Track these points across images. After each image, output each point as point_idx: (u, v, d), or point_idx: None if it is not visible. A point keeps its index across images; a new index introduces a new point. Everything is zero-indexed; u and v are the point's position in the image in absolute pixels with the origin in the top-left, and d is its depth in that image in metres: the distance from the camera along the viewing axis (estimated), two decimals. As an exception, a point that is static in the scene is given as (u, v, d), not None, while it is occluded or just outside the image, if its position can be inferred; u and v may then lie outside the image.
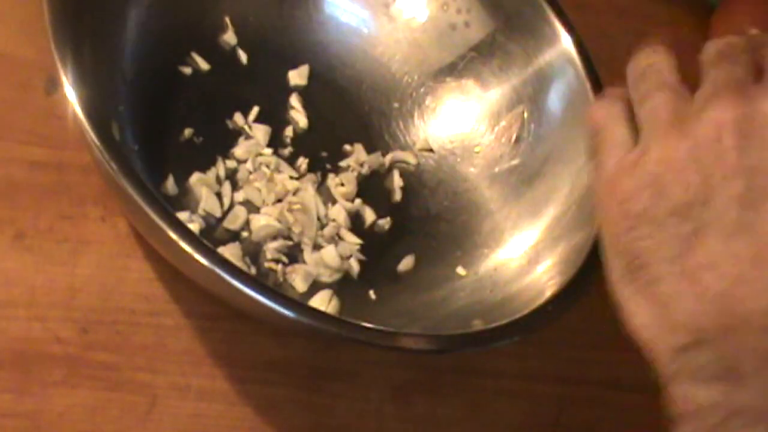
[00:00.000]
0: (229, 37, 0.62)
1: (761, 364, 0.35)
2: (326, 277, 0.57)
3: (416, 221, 0.61)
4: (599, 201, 0.41)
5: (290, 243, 0.57)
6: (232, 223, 0.56)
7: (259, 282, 0.45)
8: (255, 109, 0.60)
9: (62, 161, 0.55)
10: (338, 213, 0.59)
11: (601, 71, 0.58)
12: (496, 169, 0.61)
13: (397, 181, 0.62)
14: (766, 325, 0.35)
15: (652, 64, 0.42)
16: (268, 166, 0.59)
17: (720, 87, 0.39)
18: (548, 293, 0.51)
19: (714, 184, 0.37)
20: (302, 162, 0.60)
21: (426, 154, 0.63)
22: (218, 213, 0.57)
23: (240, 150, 0.59)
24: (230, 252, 0.55)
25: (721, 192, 0.37)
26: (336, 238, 0.58)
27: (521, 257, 0.57)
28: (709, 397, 0.36)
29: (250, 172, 0.58)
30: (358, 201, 0.60)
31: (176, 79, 0.60)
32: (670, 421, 0.37)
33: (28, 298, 0.51)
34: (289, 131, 0.61)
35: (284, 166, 0.59)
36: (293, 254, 0.57)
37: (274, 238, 0.57)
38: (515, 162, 0.61)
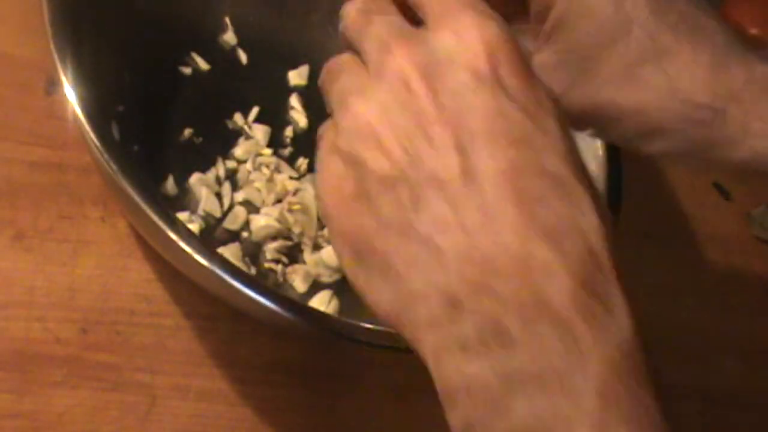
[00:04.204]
0: (229, 37, 0.62)
1: (524, 316, 0.32)
2: (326, 278, 0.57)
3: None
4: (317, 195, 0.38)
5: (290, 243, 0.57)
6: (232, 223, 0.56)
7: (259, 282, 0.45)
8: (255, 109, 0.60)
9: (62, 161, 0.55)
10: (338, 213, 0.59)
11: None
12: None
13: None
14: (513, 271, 0.32)
15: (340, 56, 0.39)
16: (268, 167, 0.59)
17: (386, 41, 0.36)
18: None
19: (417, 140, 0.34)
20: (302, 162, 0.60)
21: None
22: (218, 213, 0.57)
23: (240, 150, 0.59)
24: (230, 252, 0.55)
25: (429, 144, 0.34)
26: (336, 239, 0.58)
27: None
28: (478, 368, 0.32)
29: (250, 173, 0.58)
30: (358, 201, 0.60)
31: (176, 79, 0.60)
32: (443, 404, 0.33)
33: (27, 299, 0.51)
34: (289, 131, 0.61)
35: (284, 166, 0.59)
36: (293, 254, 0.57)
37: (274, 238, 0.57)
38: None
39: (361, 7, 0.38)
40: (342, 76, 0.37)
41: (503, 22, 0.36)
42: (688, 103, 0.42)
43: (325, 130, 0.37)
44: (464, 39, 0.35)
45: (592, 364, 0.31)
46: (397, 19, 0.37)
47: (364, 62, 0.37)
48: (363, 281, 0.36)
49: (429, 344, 0.34)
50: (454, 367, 0.33)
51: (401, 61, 0.35)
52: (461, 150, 0.34)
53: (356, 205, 0.35)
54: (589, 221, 0.33)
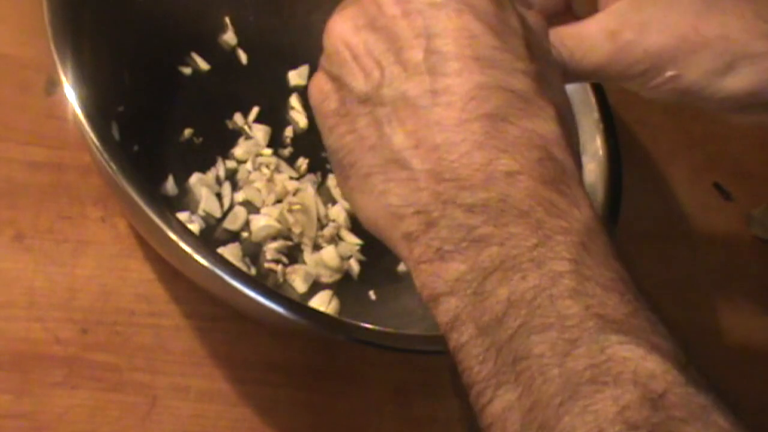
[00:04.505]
0: (229, 37, 0.62)
1: (493, 218, 0.34)
2: (326, 278, 0.57)
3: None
4: (312, 107, 0.40)
5: (290, 243, 0.57)
6: (232, 223, 0.56)
7: (259, 282, 0.45)
8: (255, 109, 0.60)
9: (62, 161, 0.55)
10: (338, 213, 0.59)
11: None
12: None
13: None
14: (480, 183, 0.34)
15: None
16: (268, 167, 0.59)
17: None
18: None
19: (391, 60, 0.36)
20: (302, 162, 0.60)
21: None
22: (218, 213, 0.57)
23: (240, 150, 0.59)
24: (230, 252, 0.55)
25: (403, 64, 0.36)
26: (336, 239, 0.58)
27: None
28: (457, 269, 0.34)
29: (250, 173, 0.58)
30: (358, 201, 0.60)
31: (176, 79, 0.60)
32: (428, 305, 0.35)
33: (27, 299, 0.51)
34: (289, 131, 0.61)
35: (284, 166, 0.59)
36: (293, 254, 0.57)
37: (274, 238, 0.56)
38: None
39: None
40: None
41: None
42: None
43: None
44: None
45: (561, 243, 0.34)
46: None
47: None
48: (348, 193, 0.38)
49: (410, 260, 0.36)
50: (435, 274, 0.35)
51: None
52: (431, 71, 0.36)
53: (339, 121, 0.38)
54: (550, 131, 0.36)
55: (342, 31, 0.38)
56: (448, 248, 0.35)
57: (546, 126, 0.36)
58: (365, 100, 0.37)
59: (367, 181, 0.37)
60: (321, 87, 0.39)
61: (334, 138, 0.38)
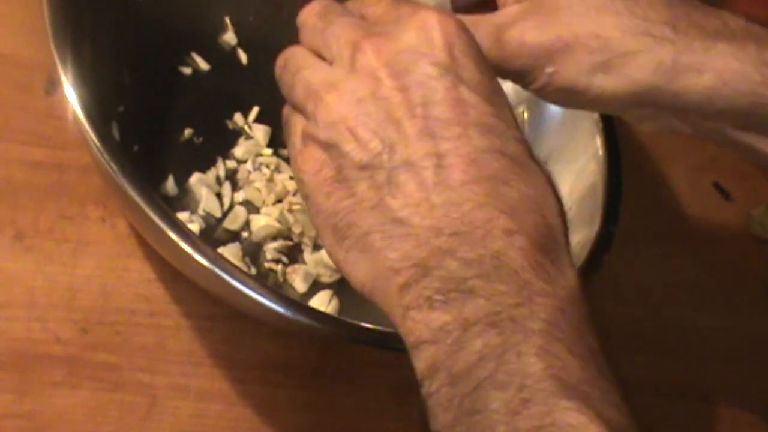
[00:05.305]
0: (229, 37, 0.62)
1: (485, 274, 0.35)
2: (326, 277, 0.57)
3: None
4: (298, 179, 0.41)
5: (290, 243, 0.57)
6: (232, 223, 0.56)
7: (259, 282, 0.45)
8: (255, 109, 0.60)
9: (62, 161, 0.55)
10: (338, 213, 0.59)
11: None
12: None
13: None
14: (478, 240, 0.36)
15: (293, 51, 0.42)
16: (268, 167, 0.59)
17: (356, 39, 0.39)
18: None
19: (390, 130, 0.38)
20: (302, 162, 0.60)
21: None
22: (218, 213, 0.57)
23: (240, 150, 0.59)
24: (230, 252, 0.55)
25: (404, 132, 0.37)
26: (336, 239, 0.58)
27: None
28: (442, 319, 0.35)
29: (250, 173, 0.58)
30: (358, 201, 0.60)
31: (176, 79, 0.60)
32: (410, 353, 0.37)
33: (28, 299, 0.51)
34: (289, 131, 0.61)
35: (284, 166, 0.59)
36: (293, 254, 0.57)
37: (274, 238, 0.57)
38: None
39: (319, 11, 0.42)
40: (304, 71, 0.41)
41: (460, 20, 0.40)
42: (648, 21, 0.44)
43: (292, 117, 0.41)
44: (427, 35, 0.38)
45: (541, 305, 0.35)
46: (357, 20, 0.41)
47: (325, 59, 0.41)
48: (342, 256, 0.39)
49: (400, 307, 0.37)
50: (421, 321, 0.36)
51: (372, 57, 0.39)
52: (433, 135, 0.37)
53: (336, 187, 0.39)
54: (546, 199, 0.38)
55: (341, 104, 0.38)
56: (438, 298, 0.36)
57: (540, 191, 0.38)
58: (365, 168, 0.38)
59: (365, 240, 0.38)
60: (314, 157, 0.39)
61: (331, 203, 0.39)
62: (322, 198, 0.39)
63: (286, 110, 0.42)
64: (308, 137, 0.40)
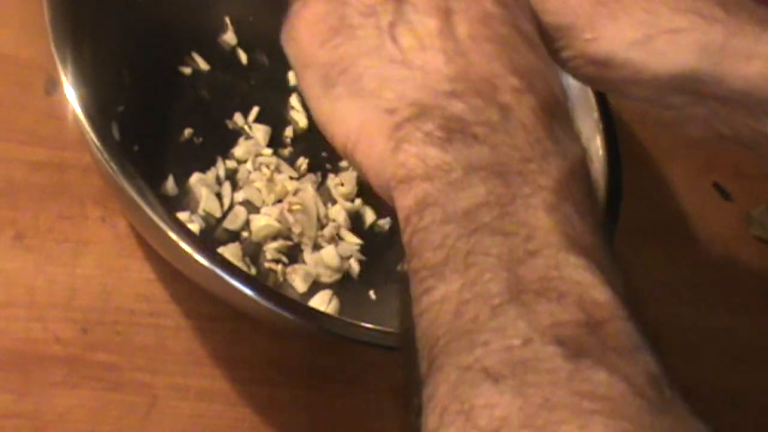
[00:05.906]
0: (229, 37, 0.62)
1: (491, 124, 0.33)
2: (326, 278, 0.57)
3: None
4: (288, 39, 0.38)
5: (290, 243, 0.57)
6: (232, 223, 0.56)
7: (259, 282, 0.45)
8: (255, 109, 0.60)
9: (62, 161, 0.55)
10: (338, 213, 0.59)
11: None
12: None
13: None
14: (485, 90, 0.34)
15: None
16: (268, 167, 0.59)
17: None
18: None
19: None
20: (302, 162, 0.60)
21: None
22: (218, 213, 0.57)
23: (240, 150, 0.59)
24: (230, 252, 0.55)
25: None
26: (336, 239, 0.58)
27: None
28: (441, 157, 0.33)
29: (250, 173, 0.58)
30: (358, 201, 0.60)
31: (176, 79, 0.60)
32: (394, 191, 0.34)
33: (28, 299, 0.51)
34: (289, 131, 0.61)
35: (284, 166, 0.59)
36: (293, 254, 0.57)
37: (274, 238, 0.57)
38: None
39: None
40: None
41: None
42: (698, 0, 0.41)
43: None
44: None
45: (552, 164, 0.33)
46: None
47: None
48: (328, 107, 0.36)
49: (392, 140, 0.34)
50: (416, 155, 0.33)
51: None
52: None
53: (334, 35, 0.37)
54: (553, 74, 0.37)
55: None
56: (439, 134, 0.33)
57: (549, 68, 0.37)
58: (369, 13, 0.36)
59: (359, 84, 0.35)
60: (315, 11, 0.37)
61: (325, 51, 0.37)
62: (315, 48, 0.37)
63: None
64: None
